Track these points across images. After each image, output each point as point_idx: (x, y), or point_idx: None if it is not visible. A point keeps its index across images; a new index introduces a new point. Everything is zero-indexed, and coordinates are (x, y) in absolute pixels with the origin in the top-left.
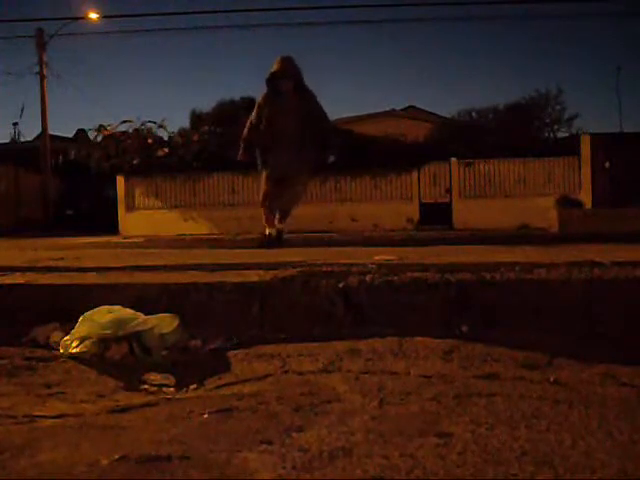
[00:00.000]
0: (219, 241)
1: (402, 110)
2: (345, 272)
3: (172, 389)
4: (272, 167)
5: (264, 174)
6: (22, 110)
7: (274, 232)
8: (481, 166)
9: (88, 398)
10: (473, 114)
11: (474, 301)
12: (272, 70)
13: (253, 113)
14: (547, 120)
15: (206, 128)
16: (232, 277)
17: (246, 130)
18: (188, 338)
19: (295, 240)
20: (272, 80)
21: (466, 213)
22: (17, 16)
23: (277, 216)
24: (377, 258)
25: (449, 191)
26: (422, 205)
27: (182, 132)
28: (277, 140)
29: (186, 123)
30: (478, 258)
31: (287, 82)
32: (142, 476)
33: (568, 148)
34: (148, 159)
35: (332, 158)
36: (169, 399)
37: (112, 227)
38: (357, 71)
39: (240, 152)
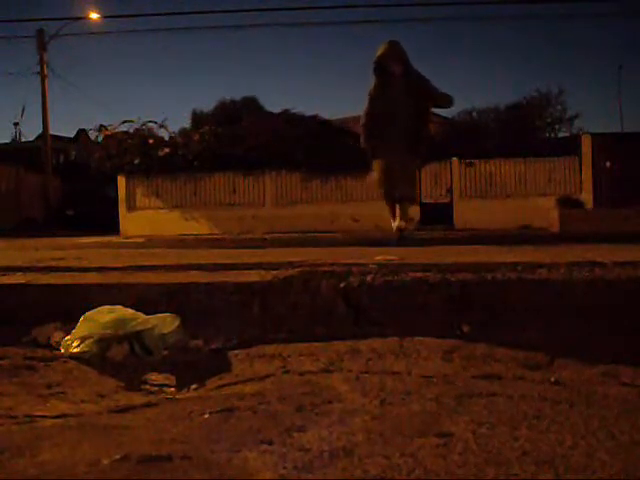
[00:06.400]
0: (220, 241)
1: None
2: (346, 272)
3: (173, 389)
4: (385, 154)
5: (377, 162)
6: (23, 110)
7: (402, 225)
8: (482, 166)
9: (89, 398)
10: (474, 114)
11: (475, 301)
12: (379, 54)
13: (366, 104)
14: (548, 120)
15: (207, 128)
16: (233, 277)
17: (364, 118)
18: (189, 338)
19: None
20: (380, 64)
21: (467, 213)
22: (18, 16)
23: (397, 211)
24: (378, 258)
25: (450, 191)
26: (423, 205)
27: (183, 132)
28: (389, 126)
29: (187, 123)
30: (479, 258)
31: (397, 65)
32: (143, 476)
33: (569, 148)
34: (149, 159)
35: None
36: (170, 399)
37: (113, 227)
38: (358, 71)
39: (362, 140)
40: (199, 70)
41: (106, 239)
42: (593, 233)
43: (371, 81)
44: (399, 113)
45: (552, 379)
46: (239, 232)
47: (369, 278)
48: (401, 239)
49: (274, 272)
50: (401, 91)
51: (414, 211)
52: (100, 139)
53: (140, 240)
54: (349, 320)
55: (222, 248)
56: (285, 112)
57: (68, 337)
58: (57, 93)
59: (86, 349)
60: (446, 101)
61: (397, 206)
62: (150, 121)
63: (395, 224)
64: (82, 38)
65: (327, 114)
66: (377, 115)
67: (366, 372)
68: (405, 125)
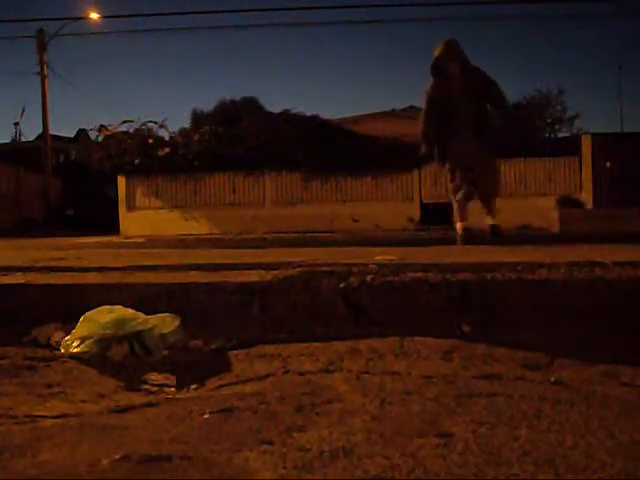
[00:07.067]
0: (220, 241)
1: (402, 110)
2: (346, 272)
3: (173, 389)
4: (456, 155)
5: (448, 166)
6: (23, 110)
7: (469, 225)
8: None
9: (89, 398)
10: None
11: (475, 301)
12: (436, 55)
13: (423, 106)
14: (548, 120)
15: (207, 128)
16: (233, 277)
17: (422, 124)
18: (189, 338)
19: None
20: (438, 65)
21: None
22: (18, 16)
23: (484, 210)
24: (378, 258)
25: None
26: (423, 205)
27: (183, 132)
28: (454, 126)
29: (187, 123)
30: (479, 258)
31: (454, 65)
32: (143, 476)
33: (569, 148)
34: (149, 159)
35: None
36: (170, 399)
37: (113, 227)
38: (357, 71)
39: (423, 147)
40: (199, 70)
41: (106, 239)
42: (593, 233)
43: (429, 81)
44: (461, 112)
45: (552, 379)
46: (239, 232)
47: (369, 278)
48: (495, 234)
49: (274, 272)
50: (460, 90)
51: (414, 211)
52: (100, 139)
53: (140, 240)
54: (349, 320)
55: (222, 248)
56: (285, 112)
57: (68, 337)
58: (57, 93)
59: (86, 349)
60: (500, 102)
61: (478, 204)
62: (150, 121)
63: (461, 225)
64: (82, 38)
65: (327, 114)
66: (439, 118)
67: (366, 372)
68: (470, 123)
